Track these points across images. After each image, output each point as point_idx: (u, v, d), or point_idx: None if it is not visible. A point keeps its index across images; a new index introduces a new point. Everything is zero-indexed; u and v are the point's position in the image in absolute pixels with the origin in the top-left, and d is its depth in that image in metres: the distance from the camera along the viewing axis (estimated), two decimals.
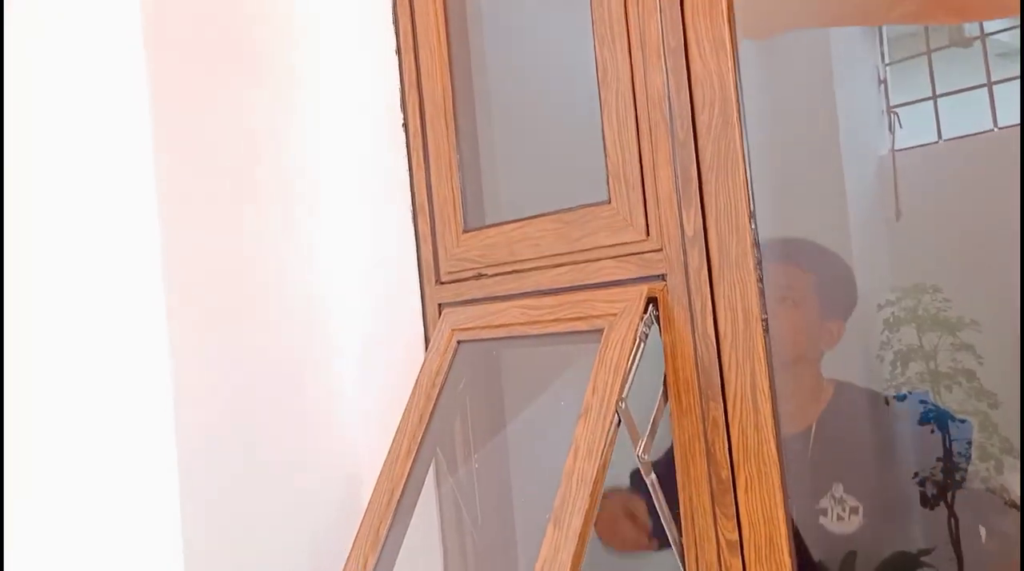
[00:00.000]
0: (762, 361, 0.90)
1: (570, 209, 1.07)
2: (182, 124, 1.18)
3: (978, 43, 1.30)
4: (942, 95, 1.34)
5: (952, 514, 1.15)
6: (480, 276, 1.17)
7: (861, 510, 1.15)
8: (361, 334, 1.33)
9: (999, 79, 1.27)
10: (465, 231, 1.19)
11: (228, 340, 1.19)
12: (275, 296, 1.26)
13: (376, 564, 1.05)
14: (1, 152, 1.35)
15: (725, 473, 0.92)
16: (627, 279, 1.01)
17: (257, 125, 1.27)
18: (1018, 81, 1.19)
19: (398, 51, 1.28)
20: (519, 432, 1.24)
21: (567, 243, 1.07)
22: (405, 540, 1.09)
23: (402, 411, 1.15)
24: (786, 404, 1.11)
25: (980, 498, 1.17)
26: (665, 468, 0.96)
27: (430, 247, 1.24)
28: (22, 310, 1.33)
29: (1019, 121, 1.20)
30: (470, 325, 1.14)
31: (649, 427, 0.95)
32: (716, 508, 0.92)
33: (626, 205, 1.01)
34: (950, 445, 1.19)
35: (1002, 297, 1.17)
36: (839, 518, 1.15)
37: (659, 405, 0.97)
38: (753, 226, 0.92)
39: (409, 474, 1.08)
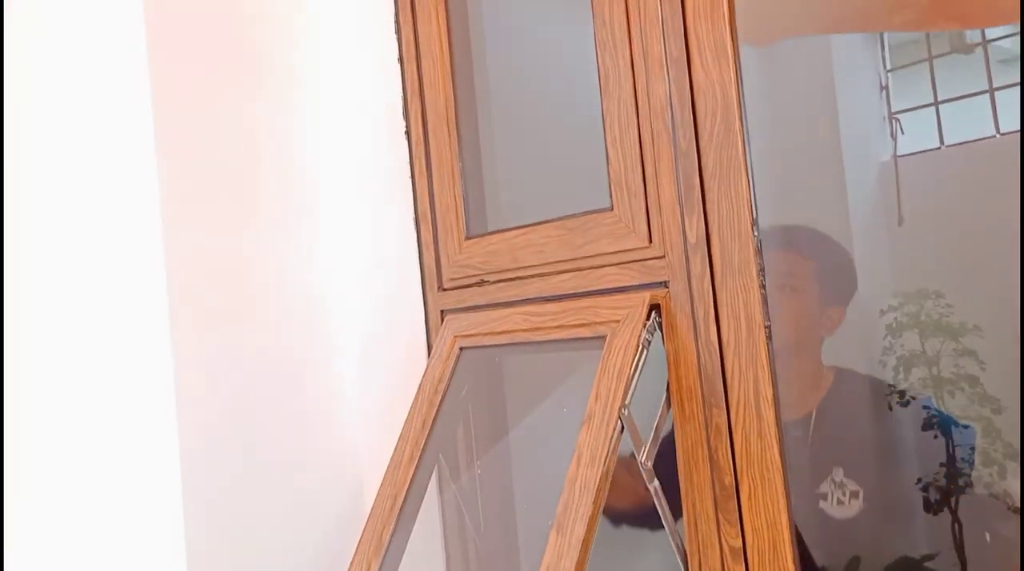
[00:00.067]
0: (765, 368, 0.90)
1: (573, 216, 1.08)
2: (184, 128, 1.19)
3: (980, 49, 1.31)
4: (944, 101, 1.34)
5: (956, 519, 1.15)
6: (482, 283, 1.17)
7: (861, 494, 1.15)
8: (363, 340, 1.34)
9: (1001, 85, 1.27)
10: (468, 238, 1.20)
11: (228, 344, 1.20)
12: (276, 300, 1.27)
13: (379, 570, 1.05)
14: (1, 153, 1.35)
15: (728, 479, 0.92)
16: (630, 286, 1.01)
17: (258, 131, 1.28)
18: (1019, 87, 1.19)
19: (400, 59, 1.29)
20: (521, 438, 1.24)
21: (570, 250, 1.07)
22: (408, 546, 1.09)
23: (404, 417, 1.15)
24: (787, 391, 1.12)
25: (984, 504, 1.17)
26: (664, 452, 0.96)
27: (432, 254, 1.24)
28: (23, 311, 1.34)
29: (1019, 127, 1.20)
30: (472, 332, 1.14)
31: (652, 434, 0.95)
32: (719, 514, 0.92)
33: (628, 212, 1.02)
34: (953, 451, 1.19)
35: (1005, 303, 1.17)
36: (839, 502, 1.15)
37: (662, 412, 0.97)
38: (756, 234, 0.92)
39: (412, 480, 1.08)
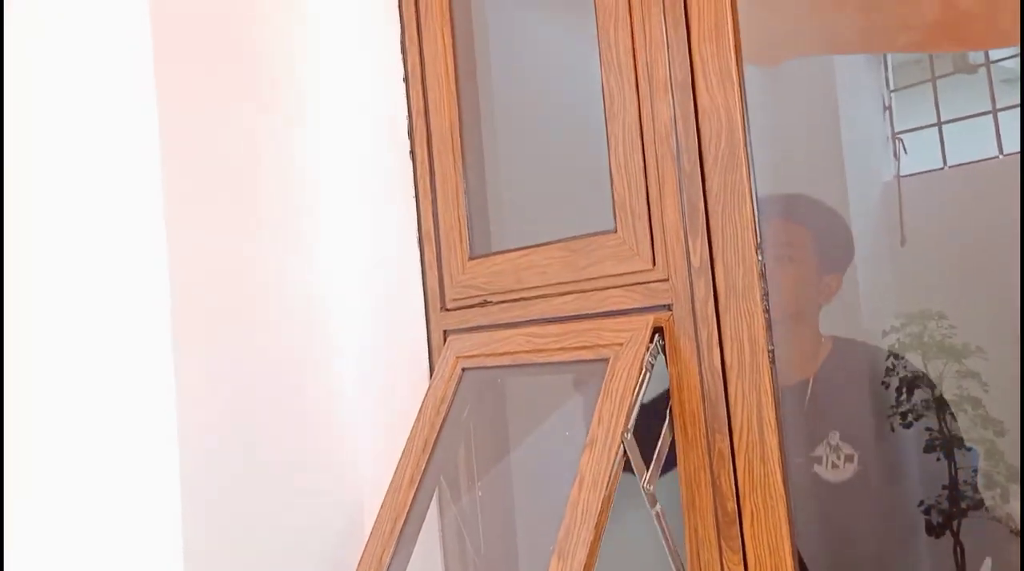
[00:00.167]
0: (768, 393, 0.90)
1: (576, 237, 1.08)
2: (187, 149, 1.19)
3: (983, 69, 1.31)
4: (947, 122, 1.34)
5: (958, 542, 1.14)
6: (485, 303, 1.17)
7: (856, 458, 1.15)
8: (365, 359, 1.33)
9: (1004, 106, 1.27)
10: (471, 258, 1.20)
11: (231, 376, 1.19)
12: (277, 315, 1.27)
13: None
14: (1, 154, 1.35)
15: (731, 505, 0.92)
16: (633, 308, 1.01)
17: (262, 147, 1.28)
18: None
19: (406, 79, 1.29)
20: (523, 461, 1.23)
21: (573, 271, 1.07)
22: (408, 569, 1.08)
23: (405, 438, 1.14)
24: (785, 359, 1.12)
25: (986, 527, 1.16)
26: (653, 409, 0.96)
27: (436, 273, 1.24)
28: (25, 312, 1.34)
29: (1020, 149, 1.21)
30: (475, 352, 1.14)
31: (654, 459, 0.94)
32: (722, 541, 0.92)
33: (632, 235, 1.02)
34: (955, 473, 1.19)
35: (1008, 324, 1.17)
36: (833, 465, 1.15)
37: (664, 436, 0.97)
38: (760, 258, 0.92)
39: (412, 502, 1.08)
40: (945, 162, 1.34)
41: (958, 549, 1.15)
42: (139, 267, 1.18)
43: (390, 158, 1.31)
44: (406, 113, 1.29)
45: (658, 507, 0.93)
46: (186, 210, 1.17)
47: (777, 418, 0.90)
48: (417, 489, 1.08)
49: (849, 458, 1.15)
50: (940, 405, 1.21)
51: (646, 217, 1.00)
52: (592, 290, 1.05)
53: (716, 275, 0.94)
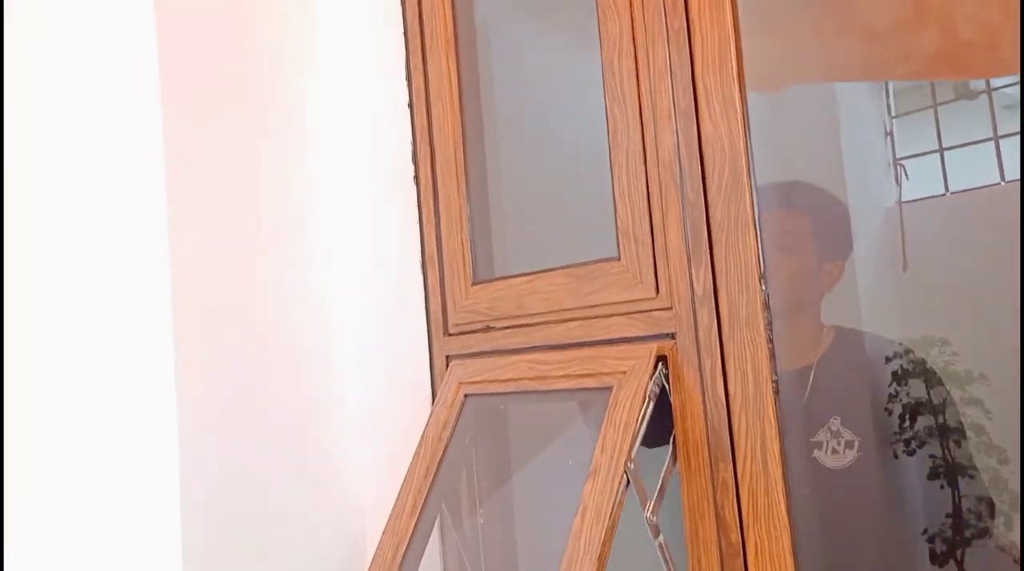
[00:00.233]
0: (772, 424, 0.90)
1: (580, 264, 1.08)
2: (191, 167, 1.19)
3: (984, 96, 1.31)
4: (948, 148, 1.35)
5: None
6: (488, 329, 1.17)
7: (856, 444, 1.14)
8: (367, 384, 1.33)
9: (1005, 132, 1.27)
10: (474, 283, 1.20)
11: (232, 391, 1.19)
12: (279, 339, 1.26)
13: None
14: (1, 154, 1.36)
15: (735, 536, 0.91)
16: (636, 337, 1.01)
17: (265, 170, 1.28)
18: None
19: (410, 104, 1.29)
20: (525, 489, 1.22)
21: (576, 298, 1.07)
22: None
23: (407, 463, 1.14)
24: (786, 347, 1.11)
25: (990, 556, 1.15)
26: None
27: (439, 298, 1.24)
28: (26, 314, 1.34)
29: (1020, 176, 1.21)
30: (477, 379, 1.14)
31: (658, 488, 0.94)
32: None
33: (636, 262, 1.02)
34: (959, 501, 1.18)
35: (1011, 351, 1.16)
36: (833, 451, 1.14)
37: (668, 466, 0.96)
38: (764, 287, 0.92)
39: (414, 529, 1.07)
40: (947, 188, 1.34)
41: None
42: (141, 284, 1.18)
43: (394, 183, 1.31)
44: (410, 138, 1.30)
45: (661, 538, 0.93)
46: (188, 236, 1.17)
47: (781, 449, 0.90)
48: (419, 516, 1.08)
49: (849, 444, 1.14)
50: (944, 431, 1.21)
51: (649, 245, 1.01)
52: (595, 317, 1.05)
53: (720, 304, 0.94)
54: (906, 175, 1.35)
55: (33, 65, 1.36)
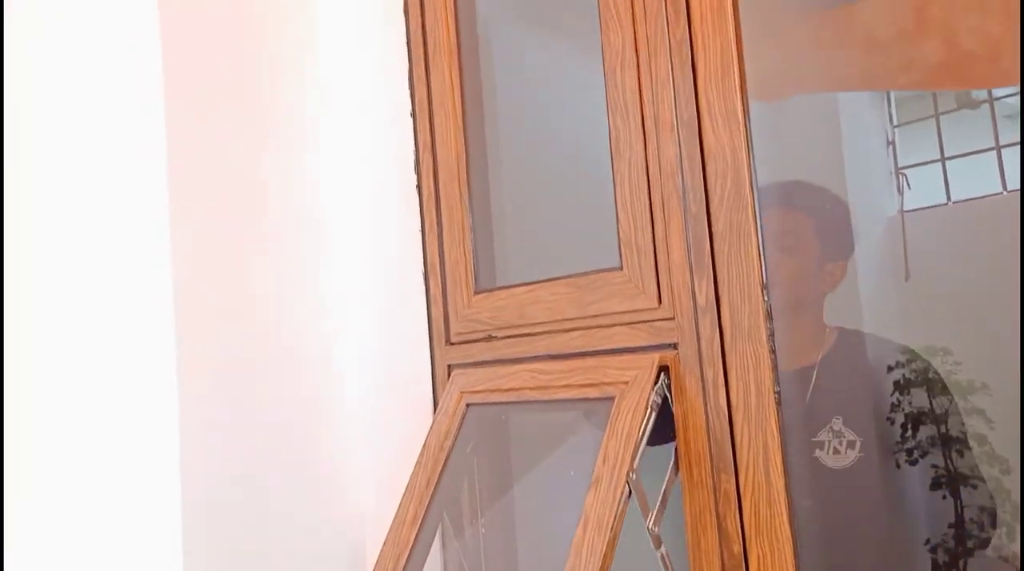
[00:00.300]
0: (775, 435, 0.90)
1: (582, 274, 1.08)
2: (194, 182, 1.19)
3: (986, 105, 1.32)
4: (950, 158, 1.35)
5: None
6: (490, 338, 1.17)
7: (859, 444, 1.14)
8: (369, 392, 1.33)
9: (1007, 142, 1.27)
10: (476, 292, 1.20)
11: (235, 400, 1.19)
12: (281, 347, 1.26)
13: None
14: (1, 155, 1.36)
15: (737, 548, 0.91)
16: (639, 347, 1.01)
17: (267, 177, 1.28)
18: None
19: (413, 114, 1.30)
20: (527, 498, 1.22)
21: (578, 308, 1.07)
22: None
23: (409, 472, 1.14)
24: (788, 347, 1.10)
25: (993, 566, 1.15)
26: None
27: (441, 308, 1.24)
28: (30, 317, 1.34)
29: (1019, 186, 1.21)
30: (479, 388, 1.14)
31: (660, 499, 0.94)
32: None
33: (638, 272, 1.02)
34: (962, 511, 1.18)
35: (1013, 361, 1.16)
36: (835, 451, 1.13)
37: (670, 476, 0.96)
38: (766, 297, 0.92)
39: (415, 539, 1.07)
40: (949, 197, 1.34)
41: None
42: (141, 291, 1.18)
43: (396, 192, 1.31)
44: (413, 147, 1.30)
45: (663, 549, 0.92)
46: (191, 247, 1.17)
47: (784, 460, 0.90)
48: (420, 526, 1.08)
49: (851, 444, 1.14)
50: (946, 441, 1.20)
51: (652, 255, 1.01)
52: (597, 327, 1.05)
53: (722, 315, 0.95)
54: (908, 184, 1.35)
55: (33, 65, 1.36)
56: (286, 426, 1.24)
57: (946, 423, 1.20)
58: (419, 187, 1.29)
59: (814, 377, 1.18)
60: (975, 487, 1.18)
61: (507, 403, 1.11)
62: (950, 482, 1.18)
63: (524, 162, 1.31)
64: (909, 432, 1.22)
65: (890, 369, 1.26)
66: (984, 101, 1.31)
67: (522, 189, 1.31)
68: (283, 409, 1.24)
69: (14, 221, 1.37)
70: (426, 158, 1.27)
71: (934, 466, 1.19)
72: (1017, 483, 1.13)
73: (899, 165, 1.37)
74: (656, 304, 1.00)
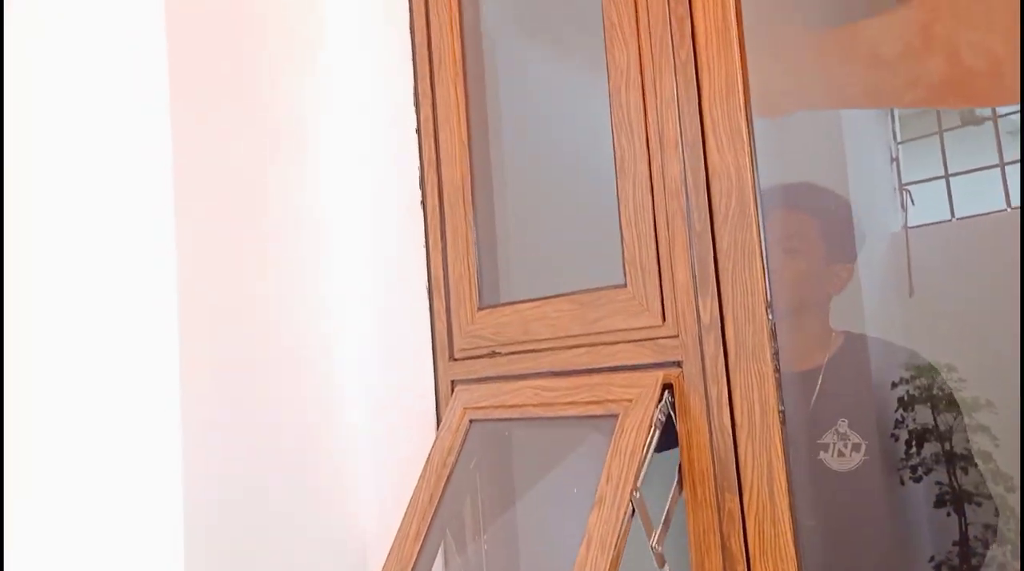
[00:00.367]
0: (779, 454, 0.90)
1: (586, 291, 1.08)
2: (198, 198, 1.20)
3: (990, 122, 1.32)
4: (954, 174, 1.35)
5: None
6: (494, 354, 1.17)
7: (863, 447, 1.13)
8: (373, 407, 1.33)
9: (1011, 159, 1.28)
10: (480, 308, 1.20)
11: (239, 415, 1.19)
12: (285, 362, 1.26)
13: None
14: (1, 157, 1.37)
15: (741, 568, 0.91)
16: (643, 364, 1.01)
17: (272, 191, 1.29)
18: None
19: (418, 130, 1.30)
20: (530, 515, 1.22)
21: (583, 325, 1.07)
22: None
23: (412, 488, 1.14)
24: (793, 349, 1.13)
25: None
26: None
27: (444, 323, 1.24)
28: (30, 316, 1.35)
29: (1020, 203, 1.21)
30: (483, 404, 1.14)
31: (663, 518, 0.93)
32: None
33: (642, 290, 1.02)
34: (966, 528, 1.18)
35: (1018, 377, 1.16)
36: (840, 453, 1.13)
37: (673, 495, 0.96)
38: (770, 316, 0.92)
39: (418, 555, 1.07)
40: (953, 214, 1.34)
41: None
42: (149, 313, 1.18)
43: (401, 207, 1.32)
44: (418, 163, 1.30)
45: (666, 568, 0.92)
46: (196, 264, 1.17)
47: (788, 480, 0.89)
48: (423, 542, 1.07)
49: (856, 447, 1.13)
50: (950, 458, 1.20)
51: (656, 273, 1.01)
52: (601, 344, 1.05)
53: (726, 333, 0.94)
54: (912, 200, 1.35)
55: (33, 65, 1.37)
56: (288, 438, 1.24)
57: (950, 440, 1.20)
58: (424, 203, 1.30)
59: (820, 380, 1.18)
60: (979, 504, 1.18)
61: (510, 419, 1.11)
62: (954, 499, 1.18)
63: (529, 178, 1.32)
64: (913, 449, 1.22)
65: (894, 385, 1.25)
66: (988, 118, 1.32)
67: (526, 205, 1.31)
68: (286, 421, 1.24)
69: (15, 222, 1.38)
70: (431, 174, 1.27)
71: (938, 483, 1.19)
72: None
73: (903, 181, 1.37)
74: (660, 322, 1.00)
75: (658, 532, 0.92)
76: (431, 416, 1.23)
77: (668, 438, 0.97)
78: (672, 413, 0.97)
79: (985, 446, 1.20)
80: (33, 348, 1.34)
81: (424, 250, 1.28)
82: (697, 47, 0.98)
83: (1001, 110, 1.30)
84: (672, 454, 0.97)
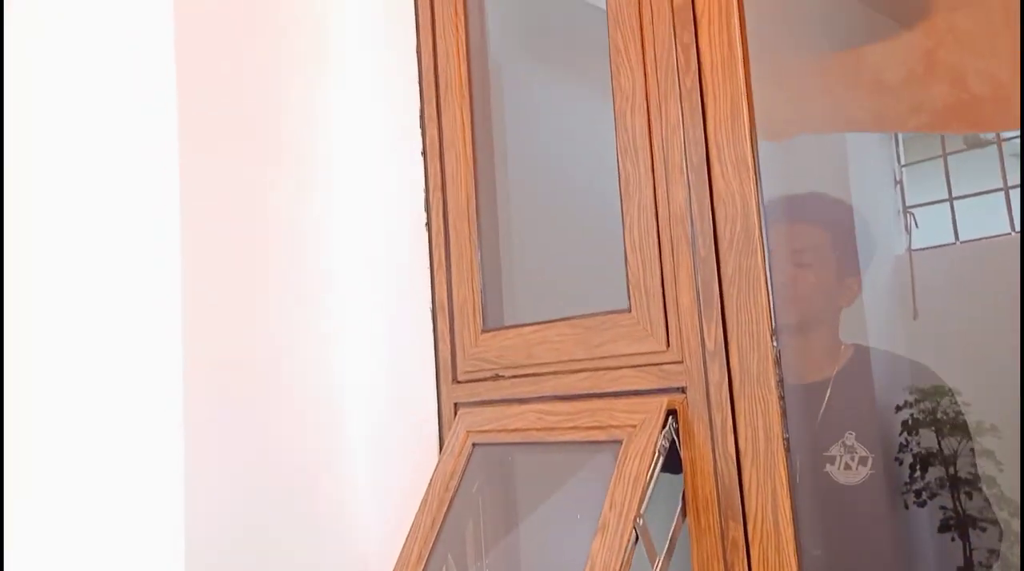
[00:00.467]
0: (783, 482, 0.89)
1: (590, 315, 1.08)
2: (203, 215, 1.20)
3: (994, 146, 1.32)
4: (958, 198, 1.35)
5: None
6: (497, 377, 1.17)
7: (870, 461, 1.13)
8: (375, 430, 1.33)
9: (1015, 183, 1.28)
10: (484, 331, 1.20)
11: (239, 436, 1.19)
12: (287, 385, 1.26)
13: None
14: (1, 159, 1.37)
15: None
16: (646, 390, 1.01)
17: (275, 214, 1.29)
18: None
19: (424, 153, 1.31)
20: (533, 540, 1.21)
21: (586, 349, 1.07)
22: None
23: (414, 511, 1.13)
24: (802, 362, 1.13)
25: None
26: None
27: (448, 345, 1.24)
28: (31, 317, 1.35)
29: (1020, 226, 1.21)
30: (486, 428, 1.13)
31: (667, 546, 0.93)
32: None
33: (647, 315, 1.02)
34: (971, 554, 1.17)
35: (1021, 402, 1.16)
36: (846, 467, 1.12)
37: (677, 522, 0.96)
38: (775, 343, 0.92)
39: None
40: (957, 237, 1.34)
41: None
42: (155, 358, 1.18)
43: (406, 229, 1.32)
44: (423, 186, 1.31)
45: None
46: (200, 289, 1.18)
47: (792, 508, 0.89)
48: (425, 566, 1.07)
49: (864, 461, 1.13)
50: (955, 482, 1.20)
51: (660, 298, 1.01)
52: (605, 369, 1.05)
53: (731, 359, 0.94)
54: (916, 223, 1.35)
55: (33, 66, 1.38)
56: (290, 462, 1.24)
57: (955, 464, 1.20)
58: (428, 224, 1.30)
59: (828, 392, 1.18)
60: (984, 530, 1.17)
61: (513, 444, 1.10)
62: (959, 524, 1.17)
63: (534, 202, 1.32)
64: (918, 473, 1.21)
65: (898, 409, 1.25)
66: (991, 142, 1.32)
67: (531, 229, 1.31)
68: (288, 445, 1.23)
69: (19, 224, 1.38)
70: (436, 197, 1.28)
71: (943, 508, 1.19)
72: None
73: (907, 204, 1.37)
74: (664, 347, 1.00)
75: (661, 559, 0.92)
76: (434, 438, 1.23)
77: (672, 464, 0.97)
78: (676, 439, 0.97)
79: (989, 471, 1.19)
80: (35, 348, 1.34)
81: (428, 272, 1.28)
82: (703, 74, 0.98)
83: (1005, 134, 1.30)
84: (676, 489, 0.97)
